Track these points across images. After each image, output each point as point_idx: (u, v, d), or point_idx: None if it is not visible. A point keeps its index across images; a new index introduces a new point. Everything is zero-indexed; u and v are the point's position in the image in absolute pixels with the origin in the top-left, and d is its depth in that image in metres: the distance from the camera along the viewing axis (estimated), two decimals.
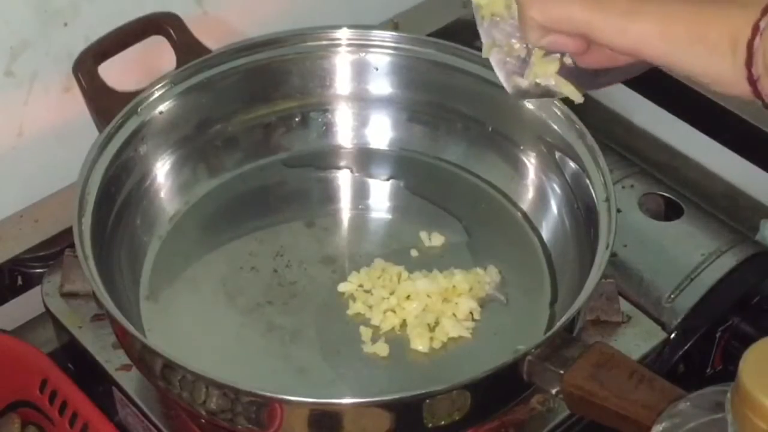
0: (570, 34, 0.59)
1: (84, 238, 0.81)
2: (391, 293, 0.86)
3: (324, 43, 0.97)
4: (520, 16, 0.60)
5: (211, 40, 0.95)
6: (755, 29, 0.54)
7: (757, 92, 0.55)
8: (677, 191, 0.97)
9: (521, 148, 0.95)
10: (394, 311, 0.85)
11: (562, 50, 0.61)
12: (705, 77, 0.57)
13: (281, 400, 0.72)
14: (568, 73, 0.66)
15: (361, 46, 0.97)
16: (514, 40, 0.66)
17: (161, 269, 0.89)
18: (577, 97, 0.66)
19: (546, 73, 0.66)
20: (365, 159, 0.99)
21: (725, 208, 0.98)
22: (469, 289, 0.86)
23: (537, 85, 0.66)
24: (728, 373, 0.52)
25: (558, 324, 0.76)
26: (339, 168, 0.98)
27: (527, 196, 0.94)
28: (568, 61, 0.65)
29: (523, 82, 0.66)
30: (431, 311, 0.85)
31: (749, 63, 0.54)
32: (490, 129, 0.96)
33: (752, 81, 0.55)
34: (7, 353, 0.82)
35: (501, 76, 0.67)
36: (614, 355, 0.73)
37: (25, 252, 0.93)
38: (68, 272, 0.89)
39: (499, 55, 0.67)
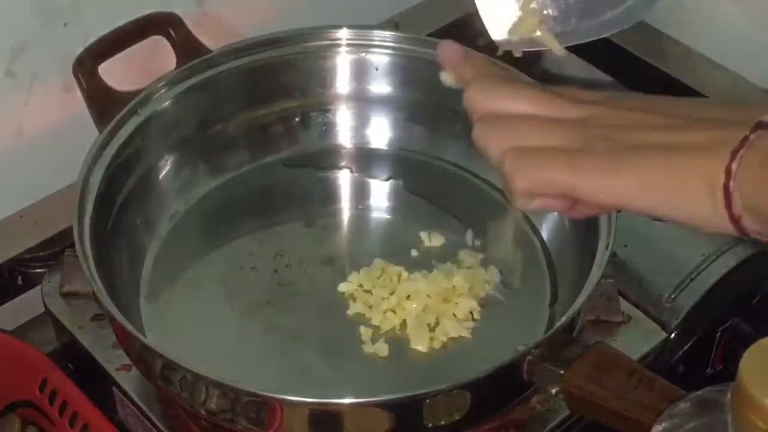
0: (555, 197, 0.62)
1: (84, 238, 0.81)
2: (391, 293, 0.86)
3: (324, 43, 0.97)
4: (505, 186, 0.63)
5: (211, 40, 0.95)
6: (728, 172, 0.56)
7: (741, 230, 0.57)
8: None
9: None
10: (394, 311, 0.85)
11: (550, 210, 0.63)
12: (690, 222, 0.59)
13: (281, 400, 0.72)
14: (548, 28, 0.66)
15: (361, 46, 0.97)
16: None
17: (161, 269, 0.90)
18: (561, 51, 0.66)
19: (531, 28, 0.66)
20: (365, 159, 0.99)
21: None
22: (469, 289, 0.86)
23: (521, 38, 0.67)
24: (728, 373, 0.52)
25: (558, 324, 0.76)
26: (339, 168, 0.98)
27: None
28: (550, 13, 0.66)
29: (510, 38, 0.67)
30: (431, 311, 0.85)
31: (728, 205, 0.56)
32: None
33: (734, 220, 0.57)
34: (7, 353, 0.82)
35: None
36: (614, 355, 0.73)
37: (25, 252, 0.93)
38: (68, 272, 0.89)
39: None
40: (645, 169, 0.59)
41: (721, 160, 0.56)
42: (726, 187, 0.56)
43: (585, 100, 0.63)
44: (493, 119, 0.63)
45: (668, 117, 0.60)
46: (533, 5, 0.66)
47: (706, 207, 0.57)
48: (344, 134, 0.99)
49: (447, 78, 0.68)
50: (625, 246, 0.91)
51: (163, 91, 0.91)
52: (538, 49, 0.66)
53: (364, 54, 0.97)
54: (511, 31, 0.66)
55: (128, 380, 0.83)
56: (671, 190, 0.58)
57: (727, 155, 0.56)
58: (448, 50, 0.68)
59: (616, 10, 0.66)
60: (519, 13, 0.66)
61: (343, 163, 0.98)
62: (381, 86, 0.98)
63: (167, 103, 0.92)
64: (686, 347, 0.89)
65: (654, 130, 0.59)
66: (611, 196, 0.60)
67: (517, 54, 0.68)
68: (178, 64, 0.92)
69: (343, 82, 0.98)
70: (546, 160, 0.61)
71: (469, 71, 0.66)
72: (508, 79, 0.65)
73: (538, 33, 0.66)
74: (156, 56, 0.94)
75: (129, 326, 0.76)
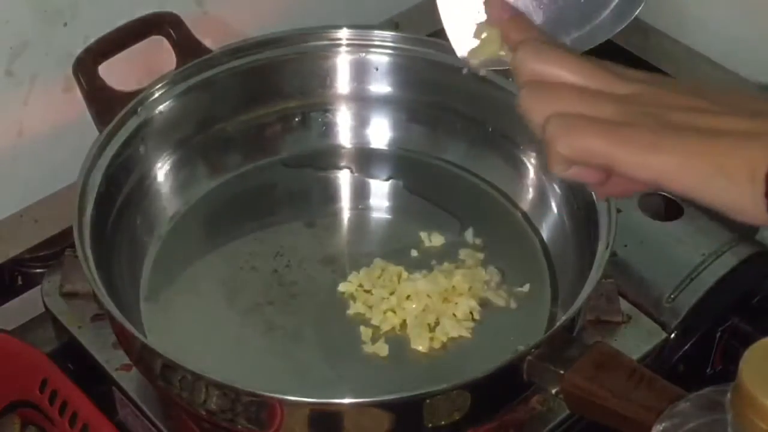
0: (593, 166, 0.61)
1: (84, 238, 0.81)
2: (391, 293, 0.86)
3: (324, 43, 0.97)
4: (547, 150, 0.61)
5: (211, 40, 0.95)
6: None
7: None
8: None
9: (521, 148, 0.95)
10: (394, 311, 0.85)
11: (584, 181, 0.63)
12: (726, 208, 0.58)
13: (281, 400, 0.72)
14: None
15: (361, 46, 0.97)
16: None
17: (161, 269, 0.90)
18: None
19: (495, 48, 0.66)
20: (365, 159, 0.99)
21: None
22: (469, 289, 0.86)
23: (487, 57, 0.67)
24: (728, 373, 0.52)
25: (558, 324, 0.76)
26: (339, 168, 0.98)
27: (527, 196, 0.94)
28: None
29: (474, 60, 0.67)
30: (431, 311, 0.85)
31: None
32: (490, 129, 0.96)
33: None
34: (7, 353, 0.82)
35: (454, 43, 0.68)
36: (614, 355, 0.73)
37: (25, 252, 0.93)
38: (68, 272, 0.89)
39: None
40: (687, 149, 0.58)
41: (765, 148, 0.55)
42: (767, 177, 0.55)
43: (631, 77, 0.62)
44: (540, 84, 0.62)
45: (714, 103, 0.59)
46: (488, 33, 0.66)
47: (744, 194, 0.56)
48: (344, 134, 0.99)
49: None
50: (625, 246, 0.91)
51: (163, 91, 0.91)
52: (501, 68, 0.67)
53: (364, 54, 0.97)
54: (475, 51, 0.67)
55: (128, 380, 0.83)
56: (711, 173, 0.57)
57: None
58: (496, 5, 0.66)
59: (581, 31, 0.67)
60: (484, 34, 0.66)
61: (343, 163, 0.98)
62: (381, 86, 0.98)
63: (167, 103, 0.92)
64: (686, 347, 0.89)
65: (699, 113, 0.59)
66: (649, 172, 0.59)
67: (482, 73, 0.68)
68: (178, 64, 0.92)
69: (343, 82, 0.98)
70: (589, 129, 0.60)
71: (519, 32, 0.65)
72: (556, 45, 0.65)
73: (502, 52, 0.66)
74: (156, 56, 0.94)
75: (129, 326, 0.76)
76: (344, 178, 0.98)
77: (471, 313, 0.85)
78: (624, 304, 0.88)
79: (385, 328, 0.85)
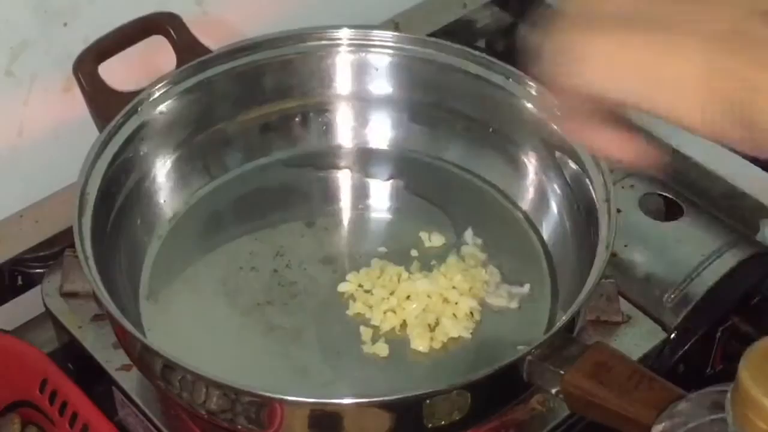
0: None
1: (84, 238, 0.80)
2: (391, 293, 0.86)
3: (324, 43, 0.97)
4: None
5: (211, 40, 0.95)
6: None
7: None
8: (677, 191, 0.97)
9: (521, 148, 0.94)
10: (394, 311, 0.85)
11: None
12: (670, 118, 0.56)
13: (281, 400, 0.72)
14: None
15: (361, 46, 0.97)
16: None
17: (161, 269, 0.89)
18: None
19: None
20: (365, 159, 0.99)
21: (725, 208, 0.98)
22: (469, 289, 0.86)
23: None
24: (728, 373, 0.52)
25: (558, 324, 0.76)
26: (339, 168, 0.98)
27: (527, 196, 0.94)
28: None
29: None
30: (431, 311, 0.85)
31: None
32: (490, 129, 0.96)
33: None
34: (7, 353, 0.82)
35: None
36: (614, 355, 0.73)
37: (25, 252, 0.93)
38: (68, 272, 0.89)
39: None
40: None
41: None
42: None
43: None
44: None
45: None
46: None
47: (689, 99, 0.53)
48: (344, 134, 0.99)
49: None
50: (625, 246, 0.91)
51: (163, 91, 0.91)
52: None
53: (364, 54, 0.97)
54: None
55: (128, 380, 0.83)
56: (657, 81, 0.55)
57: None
58: None
59: None
60: None
61: (343, 163, 0.98)
62: (381, 86, 0.98)
63: (167, 102, 0.92)
64: (686, 347, 0.89)
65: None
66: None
67: None
68: (178, 64, 0.92)
69: (343, 82, 0.98)
70: None
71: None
72: None
73: None
74: (156, 56, 0.94)
75: (129, 326, 0.76)
76: (344, 178, 0.98)
77: (471, 313, 0.85)
78: (624, 304, 0.88)
79: (385, 328, 0.85)
